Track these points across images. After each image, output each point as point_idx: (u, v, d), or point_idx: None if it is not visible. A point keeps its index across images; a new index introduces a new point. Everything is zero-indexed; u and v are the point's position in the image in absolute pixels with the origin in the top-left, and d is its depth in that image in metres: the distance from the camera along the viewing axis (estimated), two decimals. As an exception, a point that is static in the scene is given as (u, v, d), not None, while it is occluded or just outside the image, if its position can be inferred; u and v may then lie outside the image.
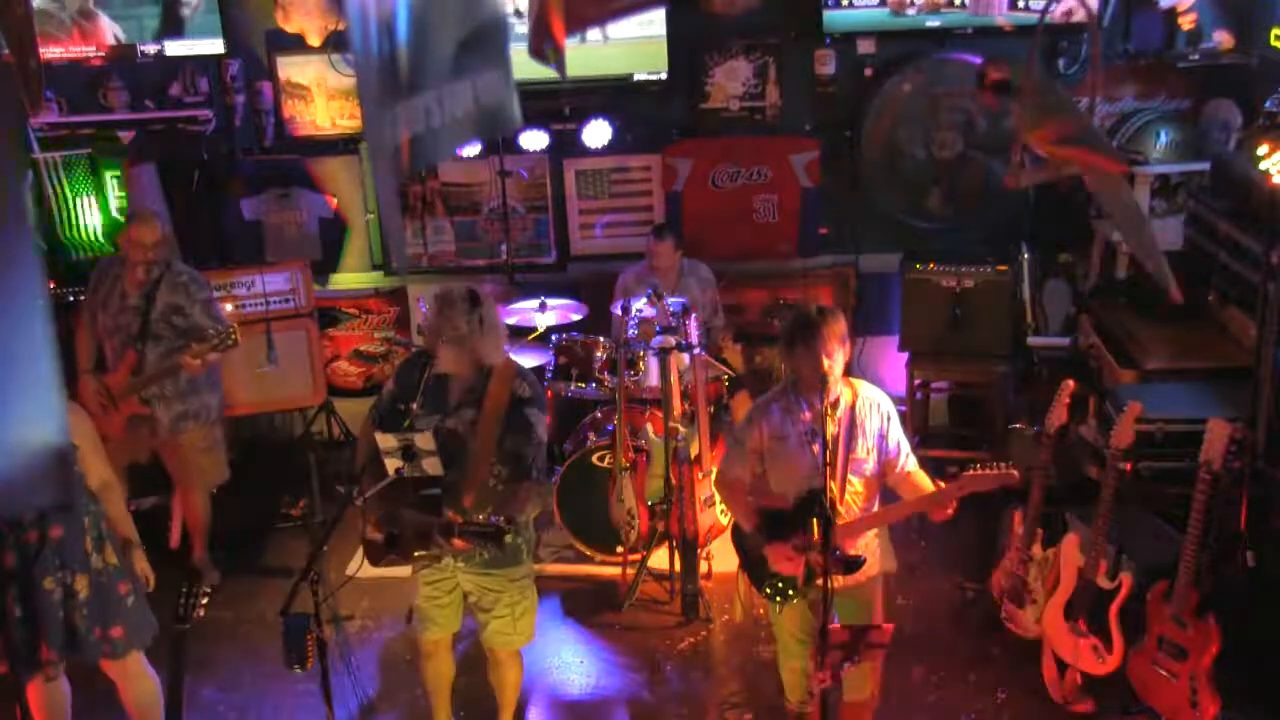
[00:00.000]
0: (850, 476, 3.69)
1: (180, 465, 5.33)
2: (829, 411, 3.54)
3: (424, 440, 3.62)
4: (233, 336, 4.97)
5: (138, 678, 4.05)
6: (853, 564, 3.69)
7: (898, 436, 3.74)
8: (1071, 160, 3.11)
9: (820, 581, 3.51)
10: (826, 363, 3.55)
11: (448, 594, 4.00)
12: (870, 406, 3.71)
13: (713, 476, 5.25)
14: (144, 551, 4.07)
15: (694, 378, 5.15)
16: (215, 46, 6.38)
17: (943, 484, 3.64)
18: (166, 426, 5.18)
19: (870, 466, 3.72)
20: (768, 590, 3.84)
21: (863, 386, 3.75)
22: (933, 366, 6.17)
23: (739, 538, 3.96)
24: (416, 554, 3.75)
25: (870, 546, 3.83)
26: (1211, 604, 3.88)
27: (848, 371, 3.75)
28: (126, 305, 5.07)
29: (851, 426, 3.68)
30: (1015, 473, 3.54)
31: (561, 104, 6.43)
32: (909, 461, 3.75)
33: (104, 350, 5.15)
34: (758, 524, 3.80)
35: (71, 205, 6.66)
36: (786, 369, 3.86)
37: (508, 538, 3.60)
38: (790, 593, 3.79)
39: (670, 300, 5.32)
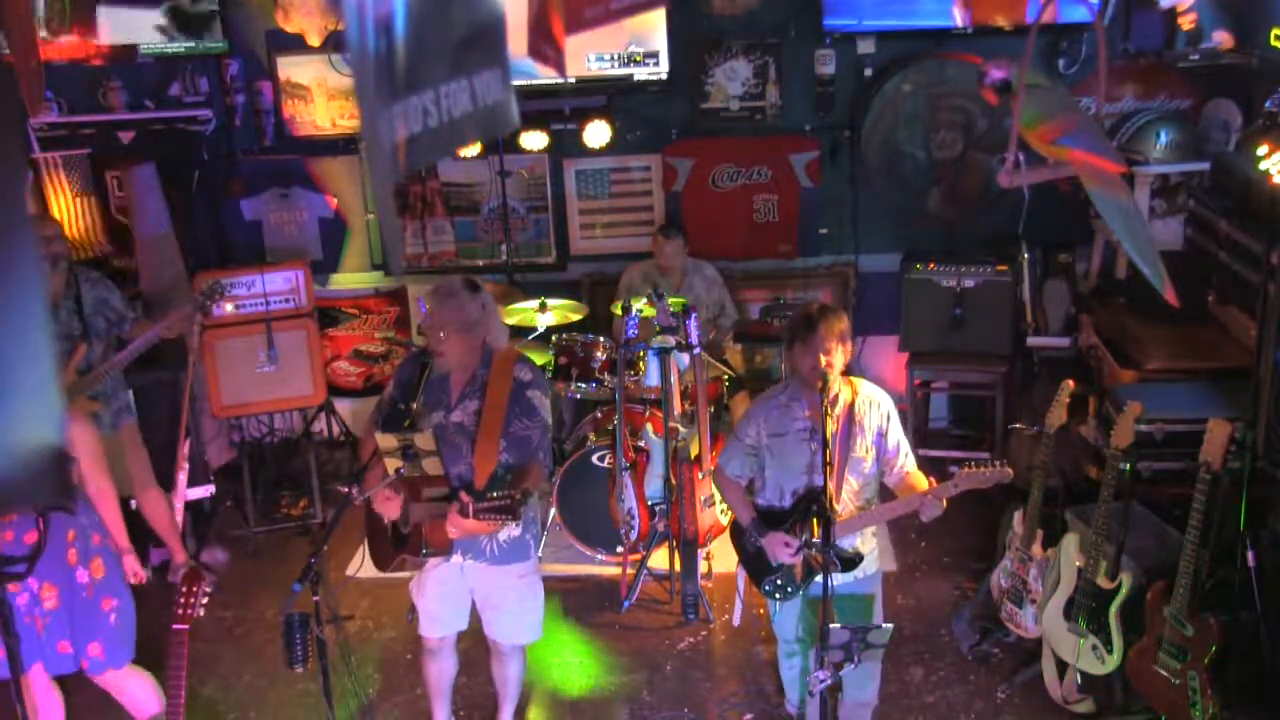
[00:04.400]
0: (848, 475, 3.70)
1: (126, 466, 5.26)
2: (829, 410, 3.54)
3: (424, 440, 3.62)
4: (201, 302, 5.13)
5: (125, 681, 4.03)
6: (850, 561, 3.69)
7: (897, 437, 3.73)
8: (1069, 160, 3.12)
9: (818, 578, 3.52)
10: (824, 360, 3.56)
11: (455, 592, 3.99)
12: (870, 406, 3.71)
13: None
14: (135, 556, 4.03)
15: (694, 378, 5.15)
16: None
17: (935, 482, 3.64)
18: (109, 423, 5.14)
19: (868, 466, 3.72)
20: (766, 587, 3.85)
21: (863, 385, 3.75)
22: (933, 366, 6.18)
23: (738, 535, 3.97)
24: (425, 550, 3.74)
25: (869, 546, 3.83)
26: (1211, 604, 3.88)
27: (848, 371, 3.75)
28: (60, 309, 4.93)
29: (850, 425, 3.68)
30: (1010, 470, 3.54)
31: (561, 104, 6.43)
32: (908, 462, 3.75)
33: None
34: (754, 519, 3.81)
35: (71, 205, 6.67)
36: (787, 366, 3.88)
37: (523, 509, 3.59)
38: (789, 589, 3.80)
39: (670, 300, 5.32)
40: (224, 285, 5.43)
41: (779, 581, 3.81)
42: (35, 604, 3.79)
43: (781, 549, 3.72)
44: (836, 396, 3.67)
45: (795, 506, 3.71)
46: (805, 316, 3.64)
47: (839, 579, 3.71)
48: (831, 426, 3.58)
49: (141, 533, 4.34)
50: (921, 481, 3.69)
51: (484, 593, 3.99)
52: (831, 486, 3.62)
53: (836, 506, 3.65)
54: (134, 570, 4.02)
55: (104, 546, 3.91)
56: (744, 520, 3.86)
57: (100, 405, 5.09)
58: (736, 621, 4.26)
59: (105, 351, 5.05)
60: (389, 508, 3.77)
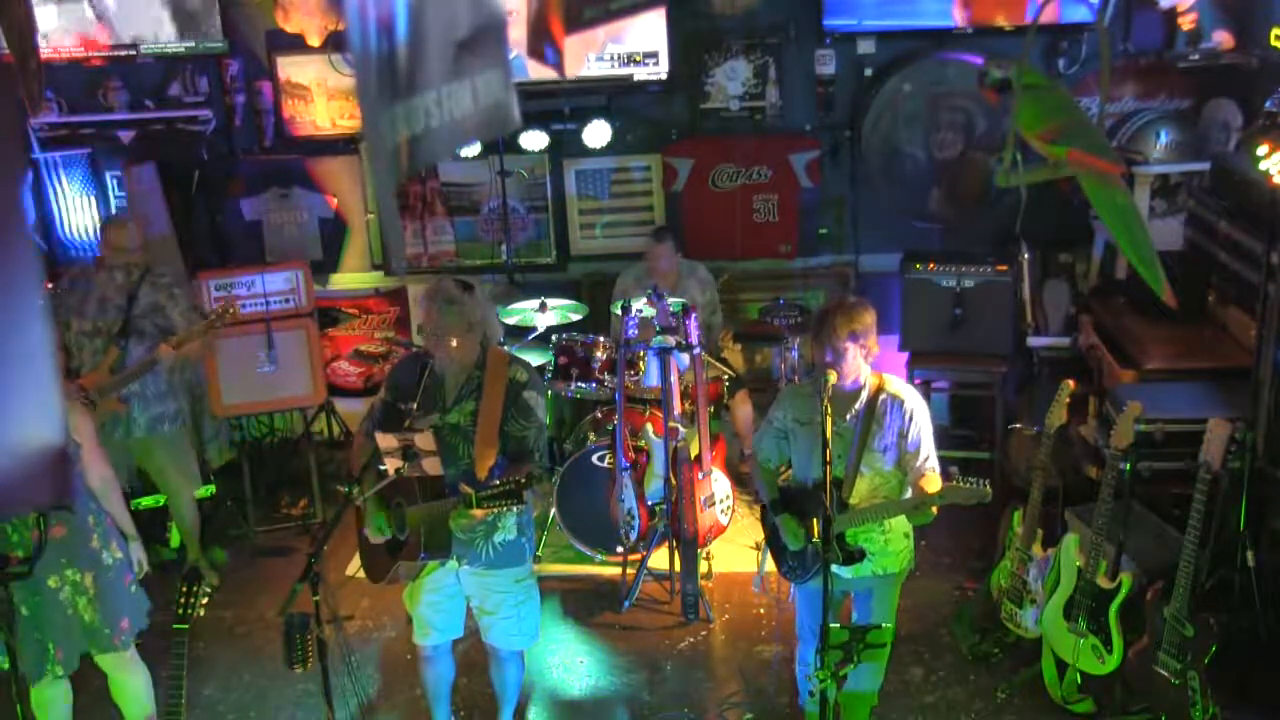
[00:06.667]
0: (863, 469, 3.72)
1: (158, 468, 5.33)
2: (826, 409, 3.55)
3: (424, 440, 3.62)
4: (213, 320, 5.15)
5: (131, 668, 4.10)
6: (852, 556, 3.71)
7: (919, 438, 3.72)
8: (1068, 160, 3.12)
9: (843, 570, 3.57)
10: (831, 355, 3.61)
11: (450, 599, 3.99)
12: (893, 404, 3.72)
13: (713, 476, 5.25)
14: (140, 544, 4.12)
15: (694, 378, 5.15)
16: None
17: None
18: (143, 427, 5.18)
19: (884, 462, 3.73)
20: (783, 568, 3.96)
21: (892, 383, 3.77)
22: (933, 366, 6.17)
23: (765, 515, 4.05)
24: (425, 553, 3.73)
25: (896, 544, 3.84)
26: (1211, 604, 3.89)
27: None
28: (108, 306, 5.08)
29: (869, 420, 3.70)
30: (989, 491, 3.54)
31: (561, 104, 6.43)
32: (925, 465, 3.73)
33: (82, 355, 5.13)
34: (774, 500, 3.89)
35: (71, 205, 6.67)
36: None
37: (526, 493, 3.60)
38: (799, 572, 3.88)
39: (670, 300, 5.32)
40: (237, 307, 5.39)
41: (792, 563, 3.91)
42: (80, 593, 3.86)
43: (789, 536, 3.80)
44: (859, 390, 3.72)
45: (813, 493, 3.73)
46: (824, 311, 3.71)
47: (858, 571, 3.77)
48: (829, 423, 3.60)
49: (144, 532, 4.36)
50: (934, 487, 3.69)
51: (480, 598, 3.98)
52: (844, 478, 3.70)
53: (852, 500, 3.70)
54: (139, 558, 4.10)
55: (115, 529, 4.01)
56: (765, 499, 3.96)
57: (131, 406, 5.12)
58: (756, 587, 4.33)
59: (144, 353, 5.07)
60: (378, 536, 3.79)
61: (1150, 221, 5.59)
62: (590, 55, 6.20)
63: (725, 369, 6.00)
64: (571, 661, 4.95)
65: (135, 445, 5.24)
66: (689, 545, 5.13)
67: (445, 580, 3.94)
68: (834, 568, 3.62)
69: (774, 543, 3.99)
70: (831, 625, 3.44)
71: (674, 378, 5.18)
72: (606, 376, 5.62)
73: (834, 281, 6.79)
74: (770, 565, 4.15)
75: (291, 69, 6.61)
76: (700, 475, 5.22)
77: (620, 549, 5.40)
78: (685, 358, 5.21)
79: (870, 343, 3.67)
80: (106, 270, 5.07)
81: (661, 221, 6.71)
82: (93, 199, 6.77)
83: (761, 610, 5.21)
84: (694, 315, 5.02)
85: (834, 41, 6.37)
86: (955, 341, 6.05)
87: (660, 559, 5.38)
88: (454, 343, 3.72)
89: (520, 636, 4.05)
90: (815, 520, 3.65)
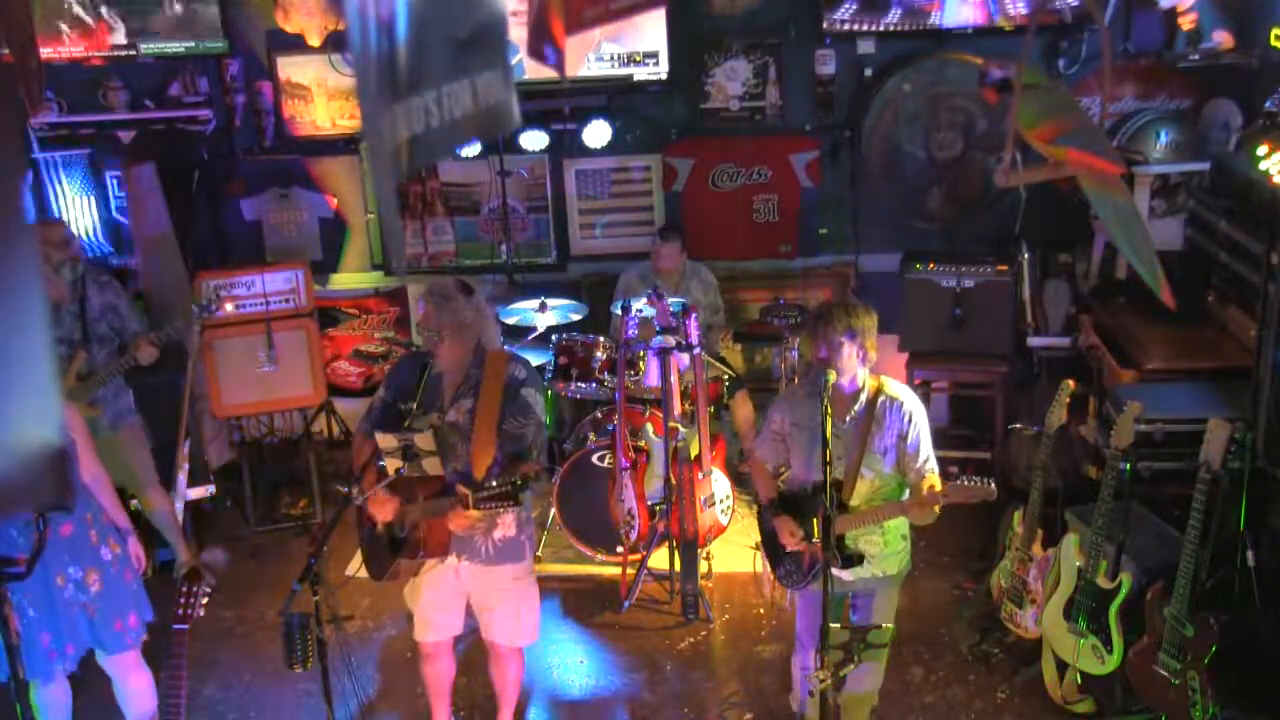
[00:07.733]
0: (863, 471, 3.72)
1: (128, 468, 5.29)
2: (827, 409, 3.55)
3: (424, 440, 3.62)
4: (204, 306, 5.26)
5: (136, 670, 4.09)
6: (850, 560, 3.71)
7: (918, 441, 3.73)
8: (1067, 160, 3.11)
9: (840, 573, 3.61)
10: (826, 351, 3.63)
11: (450, 596, 3.99)
12: (892, 406, 3.73)
13: (713, 476, 5.25)
14: (136, 538, 4.12)
15: (694, 378, 5.15)
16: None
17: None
18: (108, 425, 5.12)
19: (883, 464, 3.73)
20: (779, 572, 3.96)
21: (890, 385, 3.77)
22: (933, 366, 6.17)
23: (761, 517, 4.05)
24: (423, 551, 3.73)
25: (894, 546, 3.84)
26: (1211, 604, 3.88)
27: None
28: (63, 313, 4.95)
29: (869, 422, 3.70)
30: (994, 489, 3.54)
31: (561, 104, 6.43)
32: (925, 466, 3.74)
33: None
34: (772, 500, 3.89)
35: (71, 205, 6.66)
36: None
37: (524, 495, 3.60)
38: (795, 577, 3.88)
39: (670, 300, 5.32)
40: (214, 303, 5.40)
41: (788, 567, 3.90)
42: (83, 591, 3.85)
43: (787, 536, 3.80)
44: (857, 392, 3.72)
45: (812, 494, 3.73)
46: (819, 309, 3.74)
47: (857, 574, 3.76)
48: (830, 424, 3.60)
49: (146, 532, 4.36)
50: (937, 487, 3.69)
51: (480, 595, 3.98)
52: (844, 480, 3.70)
53: (852, 502, 3.70)
54: (136, 553, 4.09)
55: (111, 525, 4.00)
56: (763, 499, 3.97)
57: (100, 410, 5.10)
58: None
59: (108, 356, 5.04)
60: (384, 510, 3.77)
61: (1150, 221, 5.58)
62: (590, 55, 6.20)
63: (725, 369, 6.00)
64: (571, 661, 4.95)
65: (100, 447, 5.19)
66: (689, 545, 5.13)
67: (445, 577, 3.94)
68: (833, 570, 3.62)
69: (770, 546, 3.98)
70: (831, 625, 3.44)
71: (674, 378, 5.18)
72: (606, 376, 5.62)
73: (834, 281, 6.79)
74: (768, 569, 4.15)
75: (291, 69, 6.60)
76: (700, 475, 5.22)
77: (620, 549, 5.40)
78: (685, 358, 5.21)
79: (868, 344, 3.67)
80: (52, 270, 4.86)
81: (662, 221, 6.71)
82: (93, 199, 6.76)
83: (761, 610, 5.21)
84: (694, 315, 5.02)
85: (834, 41, 6.37)
86: (955, 341, 6.04)
87: (660, 559, 5.38)
88: (442, 340, 3.72)
89: (520, 633, 4.05)
90: (815, 521, 3.65)
